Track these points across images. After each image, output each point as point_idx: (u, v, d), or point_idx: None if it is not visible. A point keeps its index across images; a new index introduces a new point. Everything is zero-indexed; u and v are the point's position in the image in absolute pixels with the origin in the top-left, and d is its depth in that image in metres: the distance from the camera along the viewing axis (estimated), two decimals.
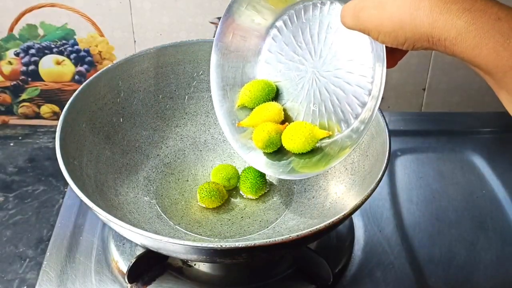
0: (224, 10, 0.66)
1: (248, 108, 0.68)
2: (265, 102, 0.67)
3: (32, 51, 0.93)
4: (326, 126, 0.63)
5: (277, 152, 0.66)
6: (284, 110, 0.67)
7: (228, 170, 0.72)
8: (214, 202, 0.70)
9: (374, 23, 0.45)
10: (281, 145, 0.65)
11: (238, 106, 0.68)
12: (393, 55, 0.52)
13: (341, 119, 0.62)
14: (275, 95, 0.68)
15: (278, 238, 0.52)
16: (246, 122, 0.67)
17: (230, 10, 0.65)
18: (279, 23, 0.66)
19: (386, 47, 0.50)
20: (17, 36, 0.92)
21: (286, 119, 0.67)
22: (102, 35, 0.91)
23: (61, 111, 0.71)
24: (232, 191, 0.73)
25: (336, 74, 0.61)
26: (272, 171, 0.65)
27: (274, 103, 0.67)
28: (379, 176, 0.59)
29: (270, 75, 0.68)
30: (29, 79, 0.96)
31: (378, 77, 0.56)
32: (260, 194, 0.72)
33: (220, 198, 0.70)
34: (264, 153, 0.67)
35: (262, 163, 0.66)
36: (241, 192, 0.73)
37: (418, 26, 0.42)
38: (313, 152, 0.64)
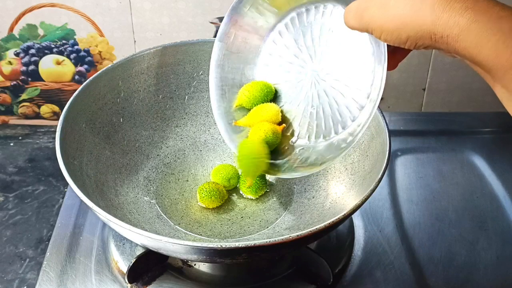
0: (225, 10, 0.66)
1: (245, 109, 0.68)
2: (263, 103, 0.67)
3: (32, 51, 0.93)
4: (323, 128, 0.63)
5: (273, 152, 0.66)
6: (282, 112, 0.67)
7: (228, 170, 0.72)
8: (214, 202, 0.70)
9: (377, 22, 0.46)
10: (277, 146, 0.66)
11: (236, 106, 0.68)
12: (394, 55, 0.52)
13: (339, 122, 0.62)
14: (274, 96, 0.68)
15: (278, 238, 0.52)
16: (243, 121, 0.67)
17: (234, 11, 0.65)
18: (281, 26, 0.66)
19: (387, 47, 0.51)
20: (17, 36, 0.92)
21: (284, 120, 0.67)
22: (102, 35, 0.91)
23: (61, 111, 0.71)
24: (232, 191, 0.73)
25: (336, 77, 0.61)
26: (267, 170, 0.65)
27: (272, 104, 0.67)
28: (379, 176, 0.59)
29: (269, 77, 0.68)
30: (29, 79, 0.96)
31: (378, 80, 0.56)
32: (260, 194, 0.72)
33: (220, 198, 0.70)
34: None
35: None
36: (241, 192, 0.73)
37: (420, 24, 0.43)
38: (310, 153, 0.64)
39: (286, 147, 0.67)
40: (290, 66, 0.66)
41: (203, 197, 0.70)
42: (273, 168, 0.65)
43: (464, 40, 0.41)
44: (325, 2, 0.61)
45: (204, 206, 0.71)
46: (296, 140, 0.66)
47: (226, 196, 0.71)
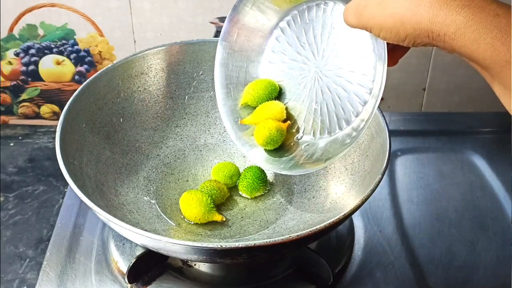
0: (225, 10, 0.66)
1: (251, 107, 0.69)
2: (268, 101, 0.67)
3: (32, 51, 0.93)
4: (327, 123, 0.64)
5: (279, 149, 0.67)
6: (286, 109, 0.68)
7: (229, 167, 0.72)
8: (215, 200, 0.70)
9: (376, 20, 0.46)
10: (283, 143, 0.66)
11: (241, 104, 0.69)
12: (394, 53, 0.53)
13: (342, 117, 0.62)
14: (278, 94, 0.68)
15: (278, 238, 0.52)
16: (249, 119, 0.68)
17: (236, 10, 0.66)
18: (283, 24, 0.67)
19: (387, 44, 0.51)
20: (17, 36, 0.92)
21: (288, 117, 0.68)
22: (102, 35, 0.91)
23: (61, 111, 0.71)
24: (232, 191, 0.73)
25: (338, 73, 0.62)
26: (273, 167, 0.66)
27: (276, 101, 0.68)
28: (379, 176, 0.59)
29: (273, 74, 0.69)
30: (29, 79, 0.96)
31: (379, 76, 0.56)
32: (255, 195, 0.72)
33: (221, 197, 0.70)
34: (265, 150, 0.67)
35: (263, 160, 0.67)
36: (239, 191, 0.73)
37: (418, 22, 0.43)
38: (315, 149, 0.64)
39: (292, 144, 0.67)
40: (293, 63, 0.67)
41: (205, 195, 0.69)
42: (279, 165, 0.65)
43: (461, 38, 0.42)
44: None
45: None
46: (302, 137, 0.67)
47: (227, 195, 0.71)
